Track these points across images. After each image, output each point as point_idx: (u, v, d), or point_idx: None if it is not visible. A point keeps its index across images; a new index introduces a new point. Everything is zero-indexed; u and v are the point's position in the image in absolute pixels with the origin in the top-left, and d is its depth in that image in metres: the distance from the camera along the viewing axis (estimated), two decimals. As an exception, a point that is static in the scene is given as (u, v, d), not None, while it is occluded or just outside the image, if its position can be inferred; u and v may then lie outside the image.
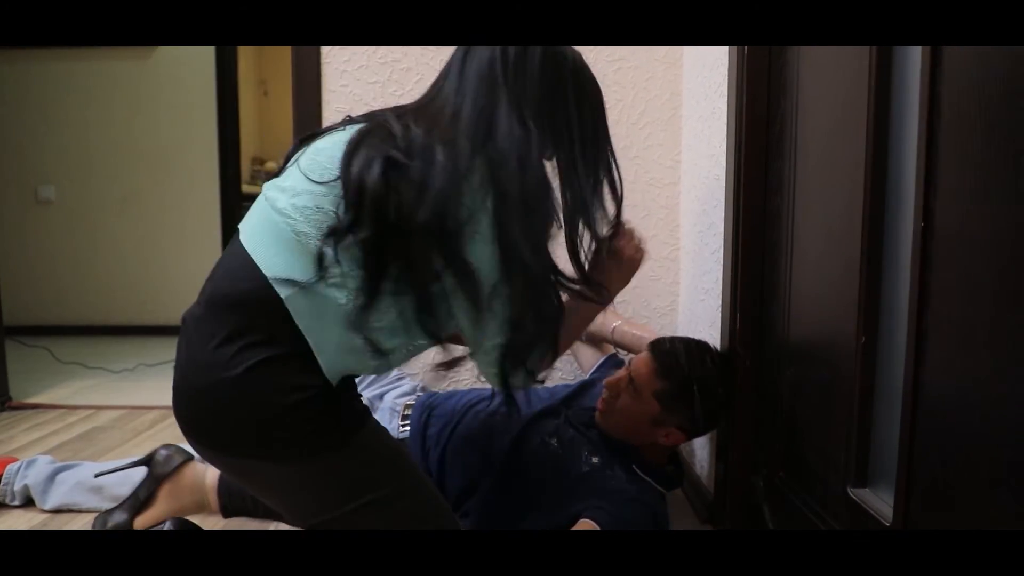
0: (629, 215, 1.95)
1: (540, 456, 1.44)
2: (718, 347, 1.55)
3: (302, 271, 0.97)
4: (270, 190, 1.05)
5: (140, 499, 1.49)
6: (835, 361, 1.15)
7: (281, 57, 4.18)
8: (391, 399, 1.74)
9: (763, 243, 1.43)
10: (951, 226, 0.83)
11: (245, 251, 1.02)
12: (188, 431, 1.05)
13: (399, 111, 1.04)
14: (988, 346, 0.76)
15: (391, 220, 0.94)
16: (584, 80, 1.10)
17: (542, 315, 1.02)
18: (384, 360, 1.02)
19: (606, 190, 1.11)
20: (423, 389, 1.82)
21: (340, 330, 0.97)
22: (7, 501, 1.68)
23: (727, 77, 1.51)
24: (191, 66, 3.70)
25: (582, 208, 1.05)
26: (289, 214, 0.99)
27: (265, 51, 4.57)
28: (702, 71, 1.73)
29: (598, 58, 1.89)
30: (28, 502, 1.68)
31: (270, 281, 0.98)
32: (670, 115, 1.92)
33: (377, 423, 1.11)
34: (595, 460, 1.42)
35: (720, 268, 1.55)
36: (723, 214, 1.54)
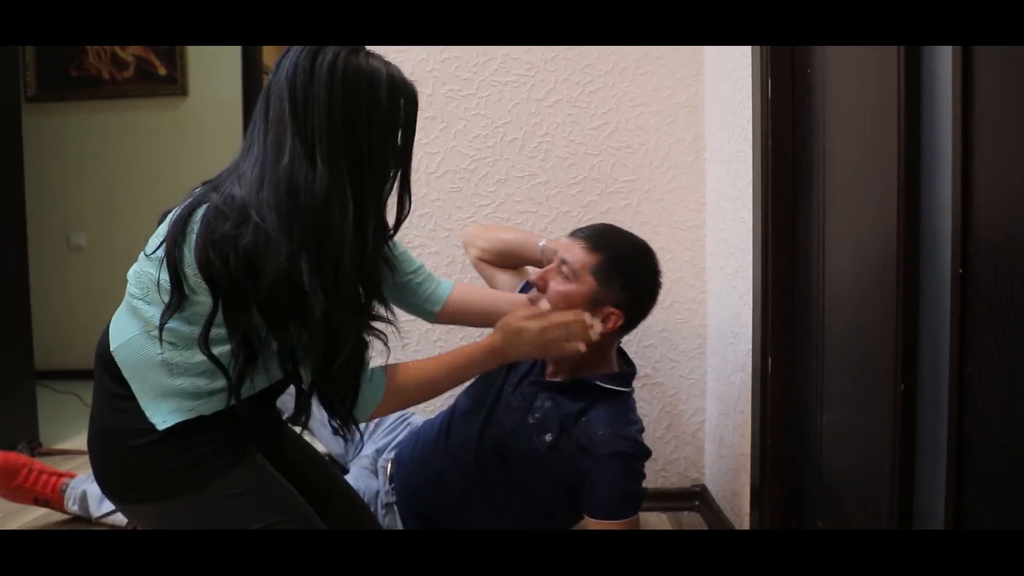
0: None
1: (496, 477, 1.39)
2: (750, 394, 1.54)
3: (130, 326, 1.09)
4: None
5: None
6: (874, 408, 1.13)
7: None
8: (371, 454, 1.64)
9: (793, 287, 1.42)
10: (990, 272, 0.82)
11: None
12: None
13: (227, 173, 1.09)
14: (1036, 397, 0.74)
15: (209, 284, 1.01)
16: (380, 91, 1.05)
17: (340, 353, 1.06)
18: (214, 399, 1.08)
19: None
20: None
21: (157, 377, 1.07)
22: (68, 506, 1.76)
23: (751, 121, 1.52)
24: (219, 114, 3.78)
25: (363, 238, 1.07)
26: (131, 277, 1.12)
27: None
28: (724, 115, 1.74)
29: (620, 104, 1.92)
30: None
31: (109, 335, 1.11)
32: (693, 158, 1.93)
33: (259, 460, 1.16)
34: (547, 438, 1.34)
35: (750, 312, 1.54)
36: (751, 257, 1.53)
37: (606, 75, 1.91)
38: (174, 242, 1.02)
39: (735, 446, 1.70)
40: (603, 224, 1.45)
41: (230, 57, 3.64)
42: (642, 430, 1.37)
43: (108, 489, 1.14)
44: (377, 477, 1.56)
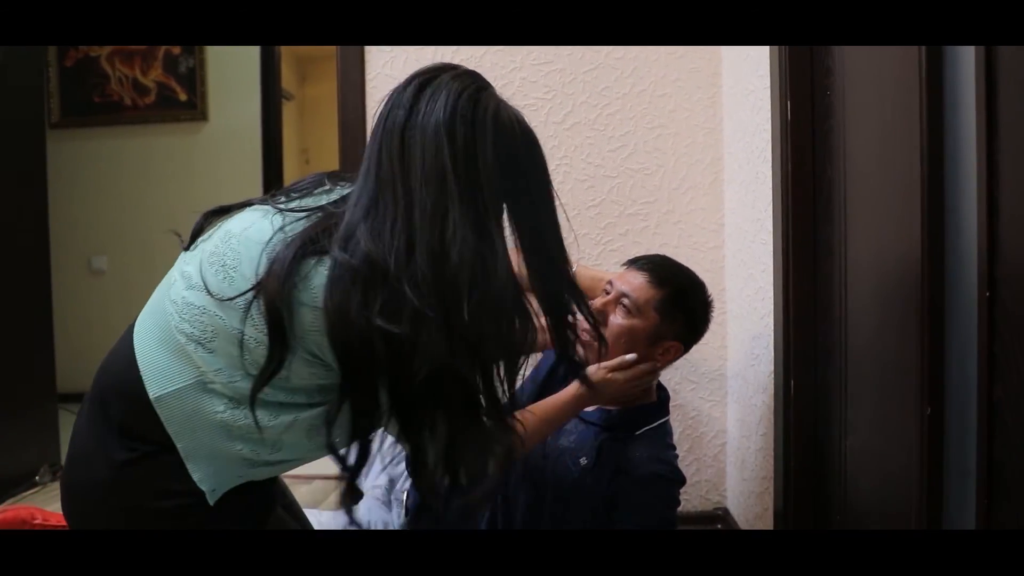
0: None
1: (524, 504, 1.37)
2: (772, 416, 1.52)
3: (177, 372, 0.88)
4: (177, 268, 0.97)
5: None
6: (900, 431, 1.12)
7: (322, 125, 4.32)
8: (384, 484, 1.57)
9: (815, 308, 1.41)
10: (1018, 294, 0.81)
11: (132, 337, 0.94)
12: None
13: (345, 218, 0.84)
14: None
15: (340, 364, 0.83)
16: (533, 145, 0.92)
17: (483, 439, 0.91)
18: (268, 469, 0.94)
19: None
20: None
21: (210, 437, 0.88)
22: None
23: (770, 143, 1.52)
24: (238, 138, 3.83)
25: (556, 295, 0.96)
26: (177, 307, 0.90)
27: (307, 121, 4.74)
28: (743, 137, 1.74)
29: (638, 126, 1.92)
30: None
31: (142, 377, 0.89)
32: (711, 180, 1.93)
33: (280, 518, 1.04)
34: (583, 461, 1.33)
35: (771, 333, 1.53)
36: (772, 279, 1.52)
37: (624, 97, 1.92)
38: (281, 299, 0.81)
39: (757, 469, 1.68)
40: (660, 256, 1.44)
41: (250, 83, 3.70)
42: (678, 457, 1.38)
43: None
44: (390, 508, 1.54)
